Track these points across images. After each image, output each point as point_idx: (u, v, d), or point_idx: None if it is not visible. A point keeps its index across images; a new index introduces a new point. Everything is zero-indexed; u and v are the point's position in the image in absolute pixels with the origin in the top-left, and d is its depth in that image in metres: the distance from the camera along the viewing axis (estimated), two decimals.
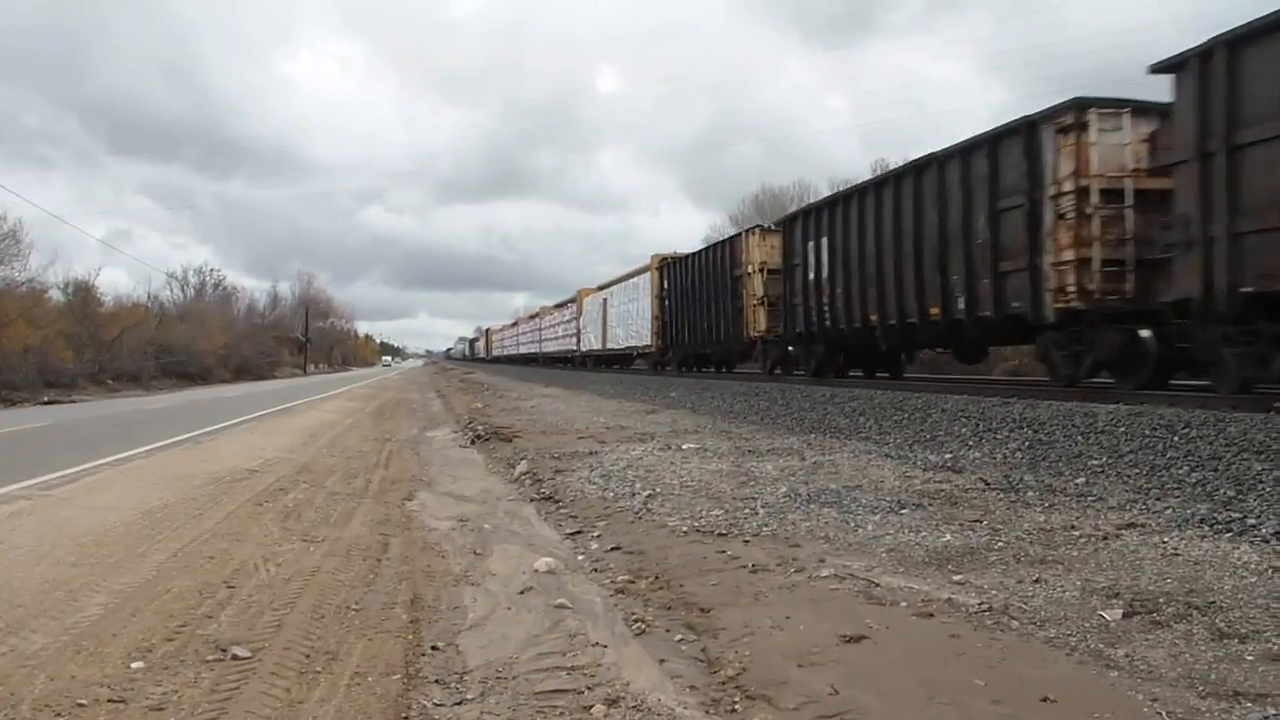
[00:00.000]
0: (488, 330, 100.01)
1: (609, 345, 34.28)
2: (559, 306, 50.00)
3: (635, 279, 30.23)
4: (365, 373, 78.31)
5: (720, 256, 21.67)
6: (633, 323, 30.05)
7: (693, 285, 23.58)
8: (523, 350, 64.66)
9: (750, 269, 19.78)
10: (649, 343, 27.78)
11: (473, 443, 11.84)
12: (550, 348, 50.75)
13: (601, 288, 37.28)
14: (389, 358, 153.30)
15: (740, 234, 21.03)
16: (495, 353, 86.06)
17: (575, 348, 41.83)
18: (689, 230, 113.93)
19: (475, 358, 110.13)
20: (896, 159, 33.47)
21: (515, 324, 73.22)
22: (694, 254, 24.31)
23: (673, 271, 25.52)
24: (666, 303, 26.08)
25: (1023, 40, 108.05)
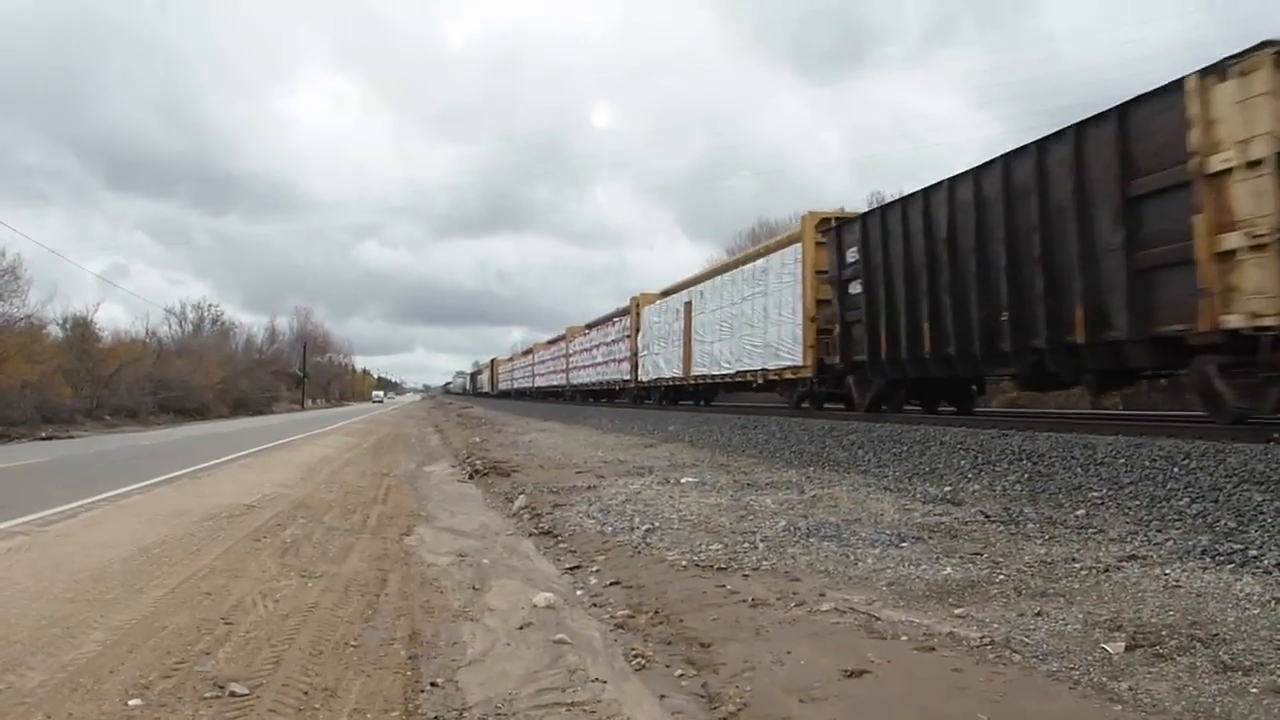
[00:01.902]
0: (493, 361, 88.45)
1: (698, 370, 21.65)
2: (595, 325, 37.37)
3: (761, 261, 18.05)
4: (362, 408, 77.92)
5: (1053, 160, 9.41)
6: (753, 332, 17.89)
7: (941, 243, 11.33)
8: (540, 383, 52.49)
9: (1227, 156, 7.40)
10: (796, 362, 15.95)
11: (470, 477, 11.81)
12: (584, 378, 37.93)
13: (671, 292, 25.87)
14: (380, 392, 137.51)
15: (1197, 75, 7.65)
16: (503, 386, 74.86)
17: (627, 377, 29.40)
18: (685, 264, 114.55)
19: (478, 392, 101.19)
20: (891, 192, 31.54)
21: (529, 352, 60.35)
22: (951, 179, 11.28)
23: (871, 231, 13.11)
24: (851, 289, 13.69)
25: (1016, 74, 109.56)
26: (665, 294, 26.67)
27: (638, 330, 28.17)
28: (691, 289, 22.83)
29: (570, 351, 41.61)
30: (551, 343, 50.68)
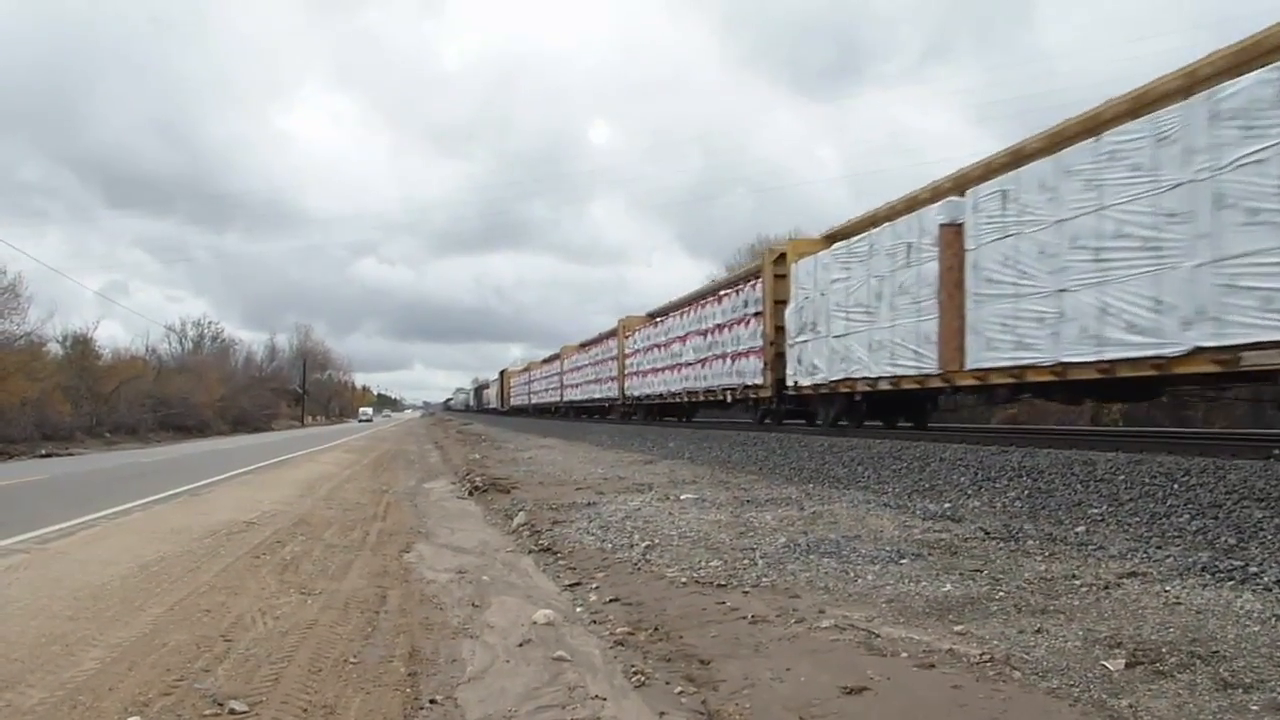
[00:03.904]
0: (503, 373, 76.54)
1: (991, 358, 10.40)
2: (671, 312, 25.81)
3: None
4: (361, 425, 77.44)
5: None
6: None
7: None
8: (575, 396, 39.85)
9: None
10: None
11: (470, 494, 11.79)
12: (653, 386, 26.10)
13: (847, 232, 15.28)
14: (368, 409, 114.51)
15: None
16: (517, 401, 63.32)
17: (754, 380, 18.12)
18: (684, 281, 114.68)
19: (484, 408, 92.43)
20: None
21: (555, 358, 47.57)
22: None
23: None
24: None
25: (1012, 90, 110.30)
26: (831, 237, 15.78)
27: (777, 302, 17.10)
28: (957, 199, 11.35)
29: (627, 351, 29.77)
30: (588, 345, 38.45)
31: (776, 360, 17.06)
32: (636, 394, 28.05)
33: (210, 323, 76.72)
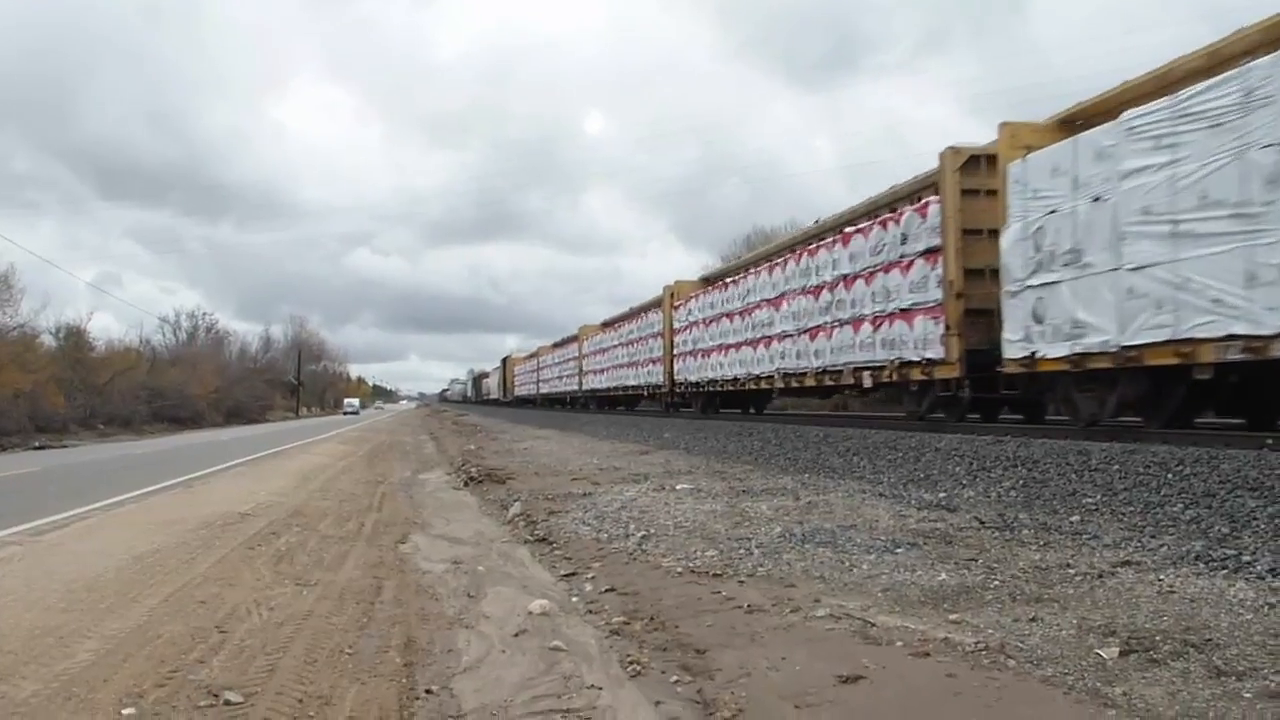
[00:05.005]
0: (506, 360, 69.17)
1: None
2: (728, 277, 20.88)
3: None
4: (348, 417, 75.96)
5: None
6: None
7: None
8: (596, 384, 33.39)
9: None
10: None
11: (466, 485, 11.79)
12: (713, 371, 20.36)
13: (1171, 78, 8.42)
14: (354, 401, 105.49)
15: None
16: (522, 391, 58.32)
17: (919, 355, 12.08)
18: (679, 272, 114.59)
19: (483, 399, 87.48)
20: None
21: (570, 341, 40.25)
22: None
23: None
24: None
25: (1007, 81, 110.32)
26: (1070, 121, 10.22)
27: (967, 232, 11.50)
28: None
29: (676, 325, 23.36)
30: (616, 322, 31.03)
31: (966, 321, 11.38)
32: (692, 379, 21.69)
33: (204, 314, 76.37)
